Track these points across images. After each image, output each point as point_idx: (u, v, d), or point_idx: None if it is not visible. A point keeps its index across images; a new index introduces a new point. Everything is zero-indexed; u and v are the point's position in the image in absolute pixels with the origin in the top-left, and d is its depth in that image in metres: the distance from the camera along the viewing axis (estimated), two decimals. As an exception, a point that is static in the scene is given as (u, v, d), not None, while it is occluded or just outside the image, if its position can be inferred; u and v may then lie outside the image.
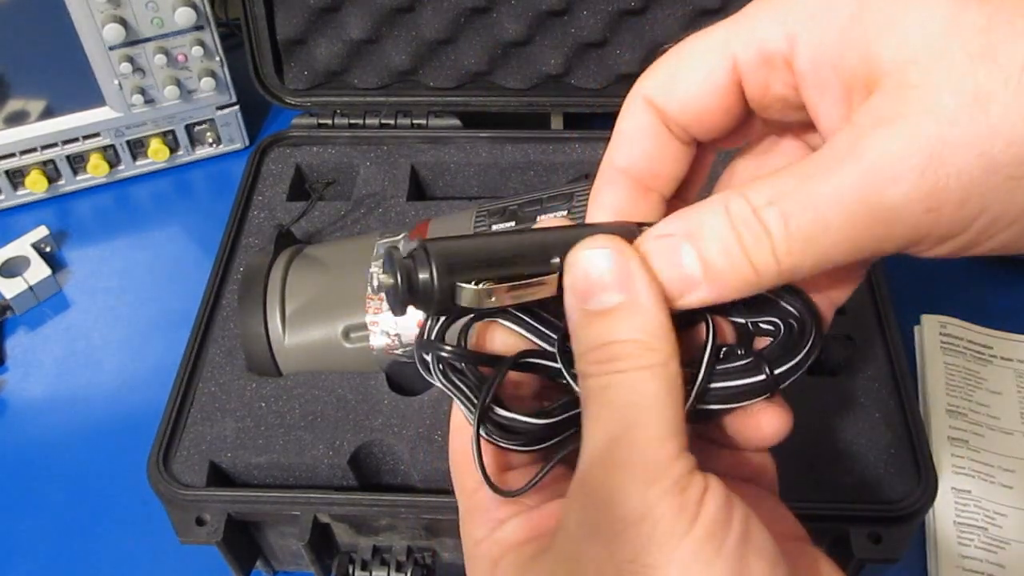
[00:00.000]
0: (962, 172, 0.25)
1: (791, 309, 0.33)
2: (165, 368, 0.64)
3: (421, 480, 0.58)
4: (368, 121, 0.80)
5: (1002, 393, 0.70)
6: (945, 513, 0.64)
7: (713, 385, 0.32)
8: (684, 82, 0.31)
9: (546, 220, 0.33)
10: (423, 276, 0.29)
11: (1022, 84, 0.24)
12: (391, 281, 0.29)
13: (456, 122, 0.80)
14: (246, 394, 0.61)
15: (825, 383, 0.60)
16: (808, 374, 0.62)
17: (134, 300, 0.80)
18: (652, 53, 0.79)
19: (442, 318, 0.32)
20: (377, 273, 0.30)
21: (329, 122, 0.81)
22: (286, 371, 0.62)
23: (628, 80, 0.80)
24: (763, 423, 0.33)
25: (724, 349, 0.34)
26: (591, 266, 0.29)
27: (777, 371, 0.33)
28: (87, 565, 0.65)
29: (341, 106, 0.81)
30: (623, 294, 0.28)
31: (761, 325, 0.34)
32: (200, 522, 0.56)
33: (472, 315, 0.32)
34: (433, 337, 0.32)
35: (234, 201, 0.74)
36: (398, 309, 0.30)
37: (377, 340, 0.60)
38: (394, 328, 0.59)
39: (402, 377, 0.62)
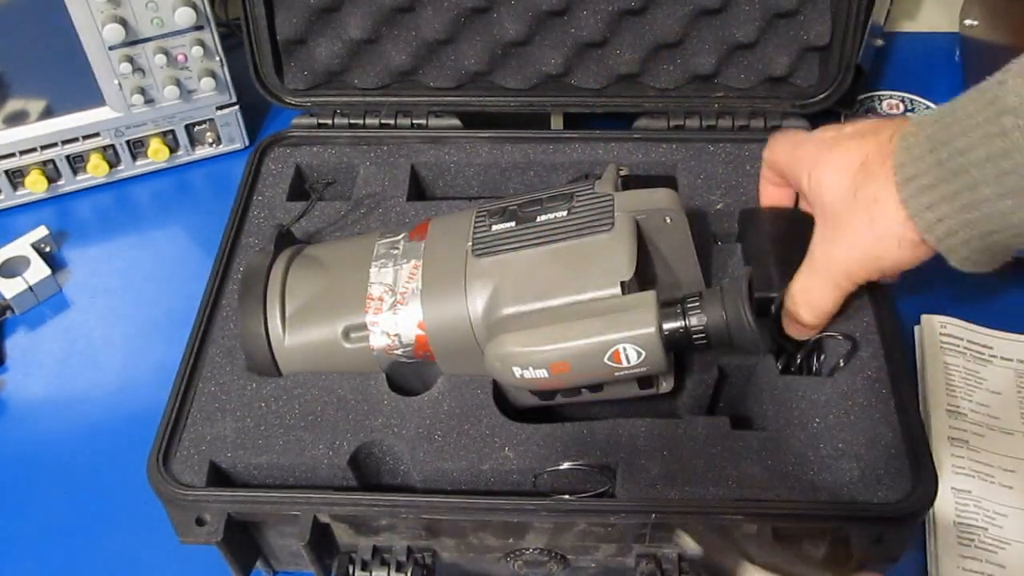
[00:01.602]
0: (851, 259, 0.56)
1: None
2: (165, 368, 0.64)
3: (421, 480, 0.58)
4: (368, 121, 0.80)
5: (1002, 393, 0.70)
6: (945, 513, 0.64)
7: None
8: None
9: None
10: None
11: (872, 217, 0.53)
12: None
13: (456, 122, 0.80)
14: (246, 394, 0.61)
15: (825, 383, 0.60)
16: (808, 374, 0.62)
17: (134, 300, 0.81)
18: (652, 53, 0.79)
19: None
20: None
21: (329, 122, 0.81)
22: (286, 371, 0.62)
23: (628, 80, 0.80)
24: None
25: None
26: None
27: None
28: (87, 565, 0.65)
29: (341, 106, 0.81)
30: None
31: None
32: (200, 522, 0.56)
33: None
34: None
35: (234, 201, 0.74)
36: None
37: (377, 340, 0.60)
38: (394, 328, 0.59)
39: (402, 377, 0.62)
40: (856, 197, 0.53)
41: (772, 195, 0.66)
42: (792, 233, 0.63)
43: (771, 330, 0.62)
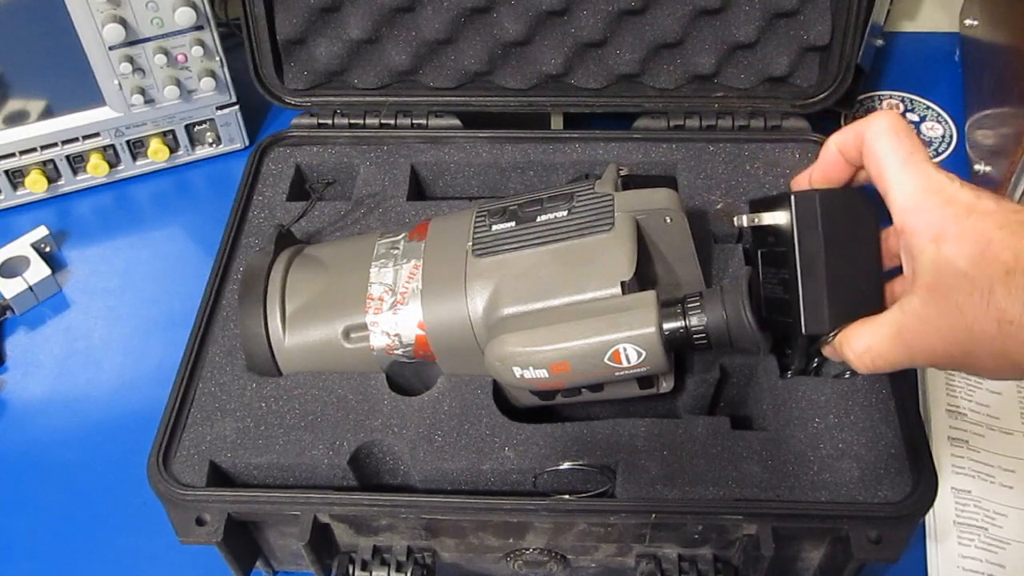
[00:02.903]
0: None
1: None
2: (165, 368, 0.64)
3: (421, 480, 0.58)
4: (368, 121, 0.80)
5: (1002, 393, 0.70)
6: (945, 513, 0.64)
7: None
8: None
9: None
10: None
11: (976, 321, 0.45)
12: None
13: (456, 122, 0.80)
14: (246, 394, 0.61)
15: (825, 383, 0.60)
16: (808, 374, 0.62)
17: (134, 300, 0.81)
18: (652, 53, 0.79)
19: None
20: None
21: (329, 122, 0.81)
22: (286, 371, 0.62)
23: (628, 80, 0.80)
24: None
25: None
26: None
27: None
28: (87, 565, 0.65)
29: (341, 106, 0.81)
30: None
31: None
32: (200, 522, 0.56)
33: None
34: None
35: (234, 201, 0.74)
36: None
37: (377, 340, 0.60)
38: (394, 328, 0.59)
39: (402, 377, 0.62)
40: (990, 305, 0.45)
41: (834, 166, 0.55)
42: (851, 239, 0.54)
43: (811, 351, 0.57)
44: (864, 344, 0.50)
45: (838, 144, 0.53)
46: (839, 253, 0.53)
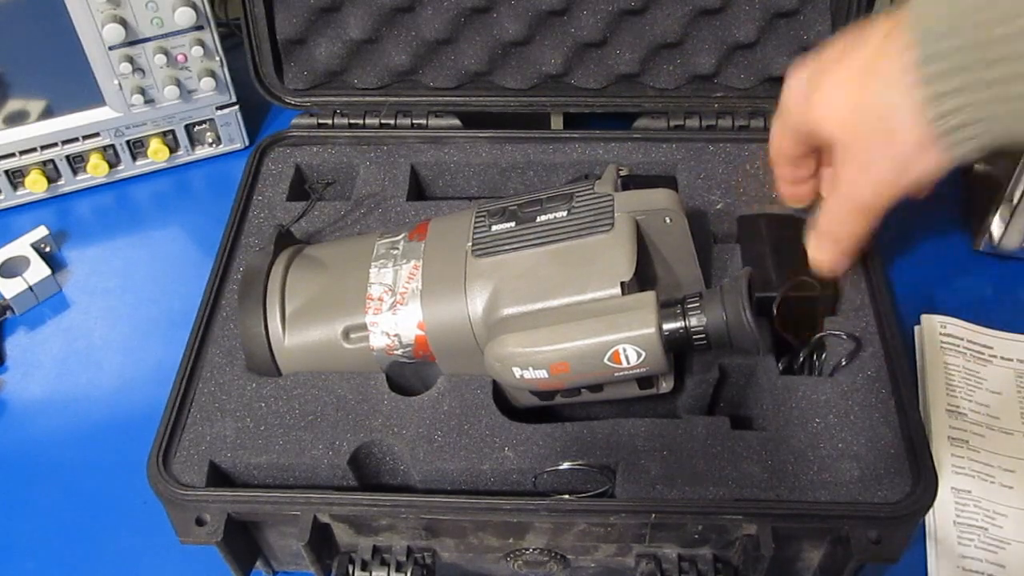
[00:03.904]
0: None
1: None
2: (165, 368, 0.64)
3: (421, 480, 0.58)
4: (368, 121, 0.80)
5: (1002, 393, 0.70)
6: (945, 513, 0.64)
7: None
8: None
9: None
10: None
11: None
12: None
13: (456, 122, 0.80)
14: (246, 394, 0.61)
15: (825, 383, 0.60)
16: (810, 374, 0.62)
17: (134, 300, 0.81)
18: (652, 53, 0.79)
19: None
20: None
21: (329, 122, 0.81)
22: (286, 371, 0.62)
23: (628, 80, 0.80)
24: None
25: None
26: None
27: None
28: (87, 565, 0.65)
29: (341, 106, 0.81)
30: None
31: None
32: (200, 522, 0.56)
33: None
34: None
35: (234, 201, 0.74)
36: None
37: (377, 340, 0.60)
38: (394, 328, 0.59)
39: (402, 377, 0.62)
40: (870, 108, 0.48)
41: (787, 175, 0.62)
42: (789, 237, 0.63)
43: (773, 326, 0.62)
44: (824, 222, 0.56)
45: (782, 152, 0.60)
46: (779, 248, 0.65)
